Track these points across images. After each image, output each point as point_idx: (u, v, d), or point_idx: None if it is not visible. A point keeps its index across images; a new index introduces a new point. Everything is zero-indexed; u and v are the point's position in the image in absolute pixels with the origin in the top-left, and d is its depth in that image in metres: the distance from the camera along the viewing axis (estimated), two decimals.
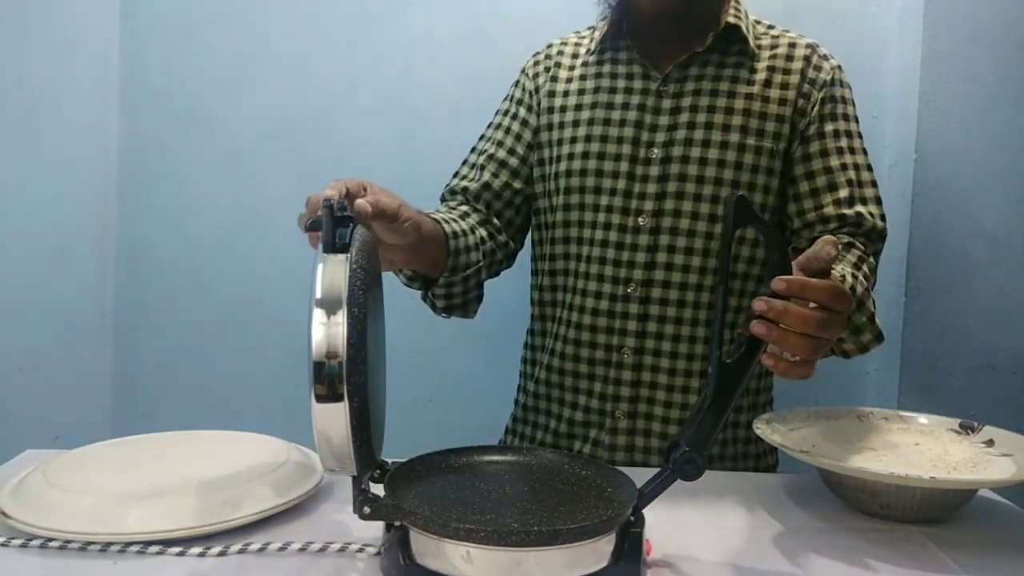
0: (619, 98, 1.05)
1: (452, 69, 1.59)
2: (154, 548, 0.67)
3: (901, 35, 1.49)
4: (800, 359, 0.67)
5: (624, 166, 1.03)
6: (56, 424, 1.53)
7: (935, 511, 0.78)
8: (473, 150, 1.17)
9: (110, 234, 1.63)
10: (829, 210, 1.01)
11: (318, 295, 0.59)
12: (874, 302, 0.95)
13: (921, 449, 0.87)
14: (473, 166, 1.14)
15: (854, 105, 1.08)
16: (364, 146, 1.62)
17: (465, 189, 1.12)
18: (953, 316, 1.45)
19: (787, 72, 1.04)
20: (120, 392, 1.65)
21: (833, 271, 0.84)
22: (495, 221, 1.11)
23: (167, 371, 1.64)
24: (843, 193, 1.01)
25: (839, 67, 1.07)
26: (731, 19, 1.03)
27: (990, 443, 0.87)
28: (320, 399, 0.58)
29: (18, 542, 0.67)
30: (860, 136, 1.07)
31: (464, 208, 1.10)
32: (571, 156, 1.06)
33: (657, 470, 0.67)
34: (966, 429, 0.91)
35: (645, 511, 0.66)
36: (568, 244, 1.08)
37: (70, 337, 1.59)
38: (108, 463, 0.81)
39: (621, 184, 1.03)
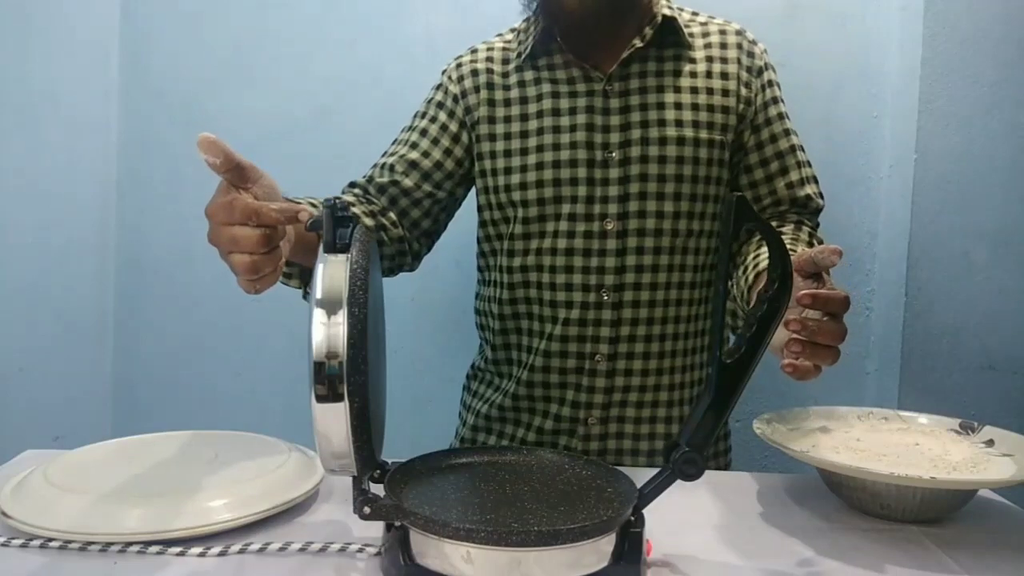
0: (564, 103, 1.02)
1: None
2: (154, 548, 0.67)
3: (901, 35, 1.49)
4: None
5: (582, 172, 1.00)
6: (56, 424, 1.53)
7: (935, 511, 0.78)
8: (384, 154, 1.12)
9: (110, 234, 1.63)
10: (782, 193, 1.05)
11: (318, 295, 0.59)
12: None
13: (921, 449, 0.87)
14: (382, 166, 1.09)
15: (780, 86, 1.10)
16: (364, 146, 1.61)
17: (370, 179, 1.07)
18: (953, 316, 1.45)
19: (724, 61, 1.04)
20: (120, 392, 1.65)
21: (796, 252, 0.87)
22: (391, 215, 1.06)
23: (167, 371, 1.65)
24: (794, 176, 1.06)
25: (765, 50, 1.08)
26: (666, 11, 1.01)
27: (990, 443, 0.87)
28: (320, 399, 0.58)
29: (18, 542, 0.67)
30: (788, 116, 1.09)
31: (352, 197, 1.06)
32: (524, 168, 1.02)
33: (651, 470, 0.67)
34: (966, 429, 0.91)
35: (645, 511, 0.66)
36: (528, 256, 1.04)
37: (70, 337, 1.59)
38: (108, 463, 0.81)
39: (582, 191, 1.00)
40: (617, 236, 1.00)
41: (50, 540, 0.67)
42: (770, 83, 1.07)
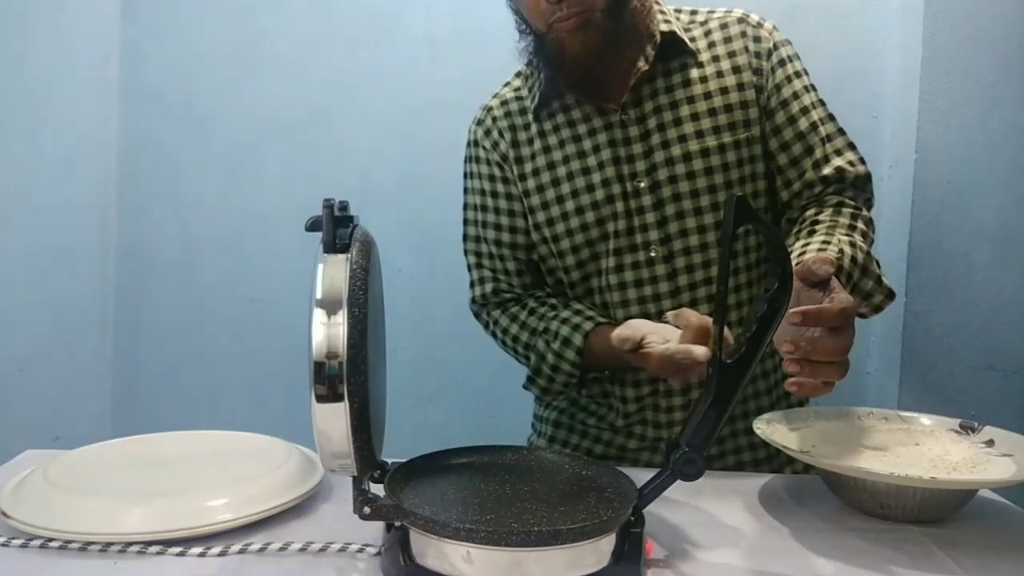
0: (587, 144, 1.02)
1: (452, 69, 1.59)
2: (154, 548, 0.67)
3: (901, 35, 1.50)
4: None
5: (620, 205, 1.00)
6: (56, 424, 1.54)
7: (935, 511, 0.78)
8: (471, 239, 1.11)
9: (110, 234, 1.63)
10: (811, 175, 1.00)
11: (318, 295, 0.59)
12: (877, 262, 0.93)
13: (921, 449, 0.87)
14: (491, 258, 1.10)
15: (799, 58, 1.04)
16: (364, 146, 1.63)
17: (496, 291, 1.10)
18: (953, 316, 1.45)
19: (732, 55, 1.01)
20: (120, 392, 1.65)
21: (829, 247, 0.85)
22: (527, 292, 1.10)
23: (167, 371, 1.65)
24: (819, 153, 1.00)
25: (774, 28, 1.04)
26: (663, 27, 1.00)
27: (990, 443, 0.87)
28: (320, 399, 0.58)
29: (18, 542, 0.67)
30: (815, 88, 1.04)
31: (517, 314, 1.08)
32: (565, 216, 1.03)
33: (652, 470, 0.67)
34: (966, 429, 0.91)
35: (645, 511, 0.66)
36: (592, 295, 1.05)
37: (70, 337, 1.59)
38: (108, 463, 0.81)
39: (622, 224, 1.00)
40: (664, 261, 1.00)
41: (50, 540, 0.67)
42: (783, 61, 1.02)
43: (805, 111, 1.01)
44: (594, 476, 0.74)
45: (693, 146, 0.99)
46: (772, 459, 1.07)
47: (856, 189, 1.00)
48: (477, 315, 1.13)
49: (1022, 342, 1.30)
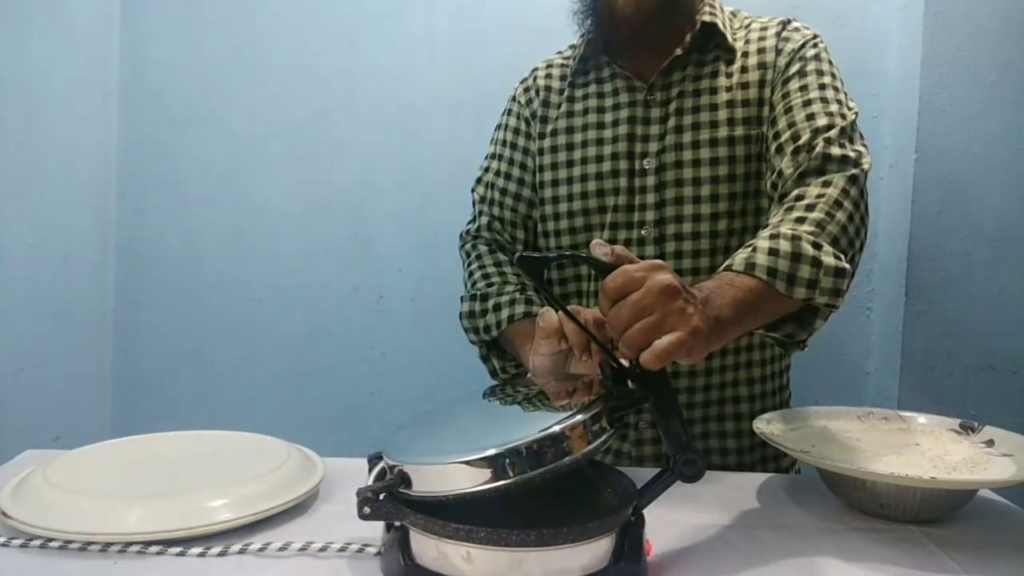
0: (608, 116, 1.04)
1: (452, 69, 1.59)
2: (154, 548, 0.67)
3: (901, 35, 1.49)
4: (652, 347, 0.64)
5: (623, 181, 1.02)
6: (56, 424, 1.53)
7: (935, 511, 0.78)
8: (483, 182, 1.15)
9: (110, 234, 1.63)
10: (789, 165, 0.92)
11: None
12: (845, 241, 0.85)
13: (921, 449, 0.87)
14: (491, 202, 1.13)
15: (831, 63, 1.00)
16: (364, 146, 1.62)
17: (480, 227, 1.14)
18: (953, 316, 1.45)
19: (761, 52, 1.01)
20: (120, 392, 1.65)
21: (739, 255, 0.80)
22: (507, 245, 1.13)
23: (167, 371, 1.65)
24: (804, 140, 0.92)
25: (815, 36, 1.01)
26: (706, 18, 1.01)
27: (990, 443, 0.87)
28: None
29: (18, 542, 0.67)
30: (832, 76, 0.98)
31: (499, 257, 1.11)
32: (570, 180, 1.05)
33: (653, 471, 0.67)
34: (966, 429, 0.91)
35: (645, 511, 0.66)
36: (578, 265, 1.07)
37: (70, 337, 1.59)
38: (108, 463, 0.81)
39: (622, 200, 1.02)
40: (655, 243, 1.01)
41: (50, 540, 0.67)
42: (802, 58, 0.98)
43: (805, 90, 0.96)
44: (594, 476, 0.74)
45: (704, 135, 1.00)
46: (772, 460, 1.07)
47: (840, 166, 0.90)
48: (462, 244, 1.16)
49: (1022, 342, 1.30)
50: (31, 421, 1.53)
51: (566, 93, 1.09)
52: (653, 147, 1.01)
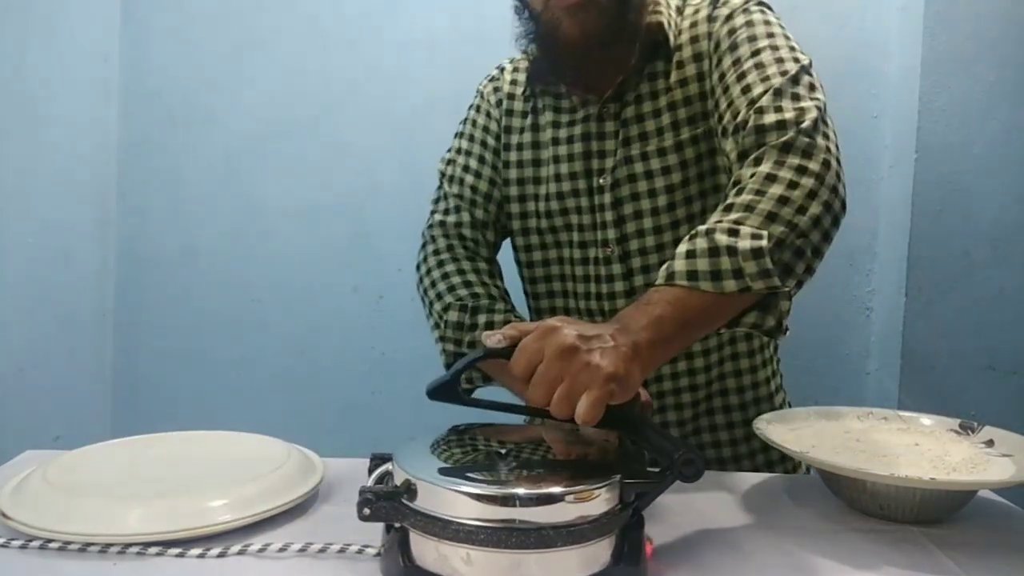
0: (564, 132, 1.01)
1: (452, 69, 1.59)
2: (154, 549, 0.67)
3: (901, 35, 1.49)
4: (576, 413, 0.64)
5: (584, 200, 1.00)
6: (56, 424, 1.53)
7: (935, 511, 0.78)
8: (447, 177, 1.10)
9: (110, 234, 1.64)
10: (733, 155, 0.86)
11: None
12: (788, 213, 0.77)
13: (921, 449, 0.87)
14: (460, 197, 1.08)
15: (768, 23, 0.91)
16: (364, 146, 1.63)
17: (459, 224, 1.07)
18: (953, 316, 1.45)
19: (695, 42, 0.96)
20: (120, 392, 1.65)
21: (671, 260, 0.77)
22: (484, 252, 1.07)
23: (167, 371, 1.65)
24: (741, 117, 0.85)
25: (739, 5, 0.94)
26: (651, 18, 0.96)
27: (990, 443, 0.87)
28: None
29: (18, 542, 0.67)
30: (768, 35, 0.90)
31: (478, 265, 1.04)
32: (536, 198, 1.04)
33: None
34: (966, 429, 0.91)
35: (645, 511, 0.66)
36: (551, 282, 1.06)
37: (70, 337, 1.59)
38: (108, 463, 0.81)
39: (586, 219, 1.00)
40: (620, 260, 0.99)
41: (50, 541, 0.67)
42: (731, 30, 0.91)
43: (737, 63, 0.89)
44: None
45: (651, 145, 0.97)
46: (779, 463, 1.07)
47: (777, 134, 0.82)
48: (439, 234, 1.07)
49: (1022, 342, 1.30)
50: (31, 421, 1.53)
51: (531, 103, 1.06)
52: (608, 163, 0.98)
